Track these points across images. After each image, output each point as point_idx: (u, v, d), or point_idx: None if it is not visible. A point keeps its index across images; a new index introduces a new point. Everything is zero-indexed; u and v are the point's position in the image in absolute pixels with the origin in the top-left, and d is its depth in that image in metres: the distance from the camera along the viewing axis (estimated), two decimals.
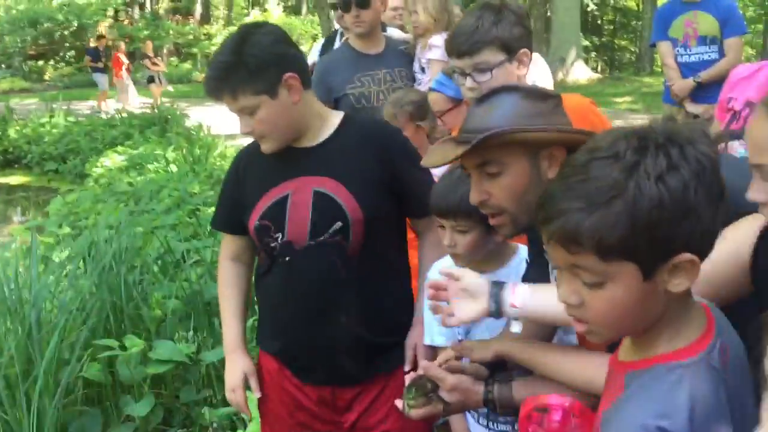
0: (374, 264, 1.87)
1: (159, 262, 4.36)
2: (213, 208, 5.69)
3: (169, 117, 11.91)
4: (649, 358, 0.97)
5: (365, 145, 1.85)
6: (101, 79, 15.37)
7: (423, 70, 3.20)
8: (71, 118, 12.99)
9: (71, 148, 11.50)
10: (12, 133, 12.62)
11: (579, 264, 0.92)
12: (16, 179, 11.68)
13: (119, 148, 9.85)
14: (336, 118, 1.91)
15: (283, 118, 1.77)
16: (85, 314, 3.21)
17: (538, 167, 1.38)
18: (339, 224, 1.79)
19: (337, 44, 3.64)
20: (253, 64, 1.70)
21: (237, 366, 1.97)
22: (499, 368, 1.51)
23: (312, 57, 3.87)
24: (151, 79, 15.61)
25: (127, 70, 15.20)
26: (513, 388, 1.45)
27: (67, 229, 5.00)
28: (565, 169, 0.96)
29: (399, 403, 1.52)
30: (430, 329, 1.87)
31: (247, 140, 1.95)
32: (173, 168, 7.97)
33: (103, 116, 13.00)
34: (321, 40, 4.39)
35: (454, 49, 1.91)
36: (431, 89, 2.62)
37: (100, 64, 15.37)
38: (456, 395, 1.46)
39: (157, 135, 10.70)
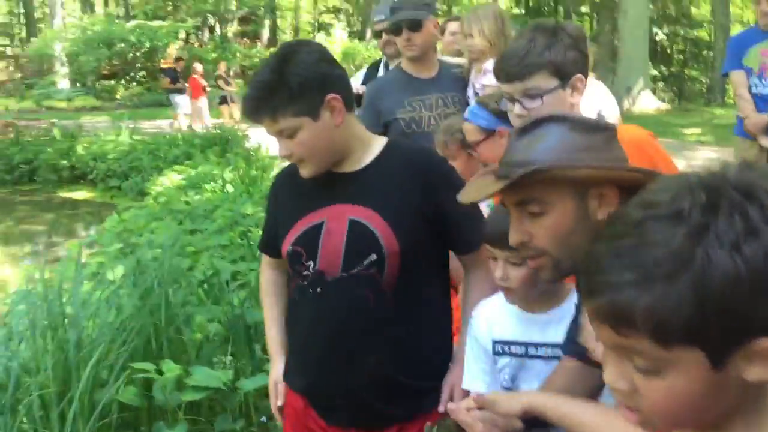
0: (410, 300, 1.74)
1: (205, 284, 4.32)
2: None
3: (230, 138, 12.09)
4: None
5: (407, 174, 1.74)
6: (179, 99, 15.53)
7: (477, 95, 3.07)
8: (137, 137, 13.32)
9: (134, 166, 11.78)
10: (80, 149, 13.03)
11: (631, 347, 0.75)
12: (81, 194, 12.01)
13: (178, 168, 10.02)
14: (378, 143, 1.81)
15: (325, 141, 1.68)
16: (126, 335, 3.17)
17: (586, 207, 1.24)
18: (374, 256, 1.68)
19: (381, 72, 3.55)
20: (295, 83, 1.61)
21: (279, 367, 1.94)
22: (537, 422, 1.35)
23: (354, 82, 3.80)
24: (223, 100, 15.84)
25: (204, 90, 15.43)
26: None
27: (117, 246, 5.04)
28: (614, 226, 0.77)
29: None
30: (471, 372, 1.73)
31: None
32: (229, 188, 8.02)
33: (179, 135, 13.21)
34: (364, 67, 4.33)
35: (502, 72, 1.79)
36: (465, 119, 2.49)
37: (179, 85, 15.60)
38: None
39: (217, 155, 10.85)
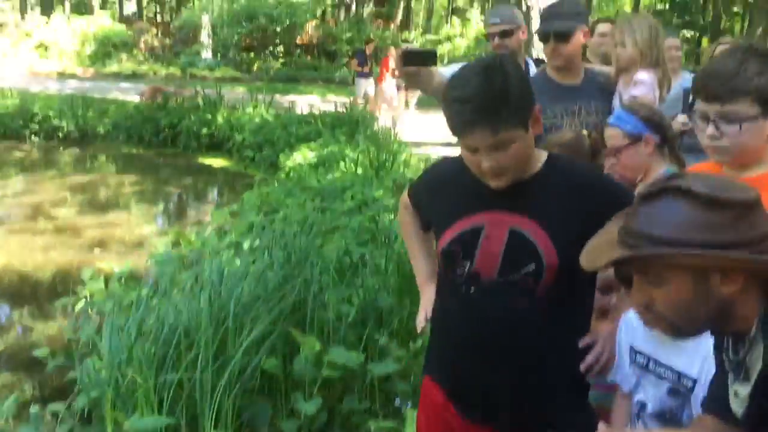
0: (560, 314, 1.81)
1: (337, 264, 4.52)
2: (392, 216, 5.85)
3: (359, 120, 12.35)
4: None
5: (571, 191, 1.79)
6: (363, 83, 15.33)
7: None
8: (272, 111, 13.87)
9: (267, 139, 12.27)
10: (219, 118, 13.72)
11: None
12: (218, 162, 12.68)
13: (312, 145, 10.35)
14: (540, 156, 1.86)
15: (528, 152, 1.76)
16: (270, 306, 3.41)
17: (706, 283, 1.24)
18: (531, 267, 1.75)
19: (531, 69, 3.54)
20: (516, 95, 1.67)
21: (429, 296, 2.08)
22: None
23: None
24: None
25: (392, 74, 15.23)
26: None
27: (260, 218, 5.34)
28: None
29: None
30: (619, 366, 1.88)
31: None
32: (359, 170, 8.24)
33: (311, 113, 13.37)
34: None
35: (703, 90, 1.76)
36: (608, 124, 2.49)
37: (366, 69, 15.37)
38: None
39: (347, 136, 11.13)
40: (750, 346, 1.27)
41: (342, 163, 8.70)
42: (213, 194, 10.87)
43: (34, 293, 6.20)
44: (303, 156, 9.68)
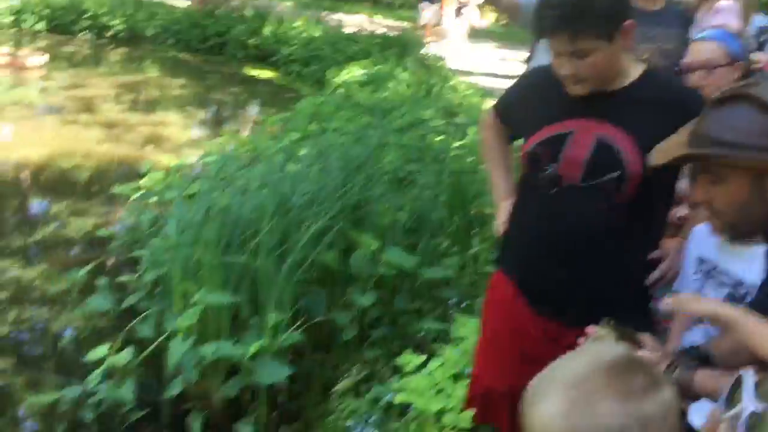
0: (636, 223, 1.89)
1: (391, 175, 4.63)
2: (442, 137, 5.91)
3: (409, 43, 12.24)
4: None
5: (665, 105, 1.83)
6: (426, 9, 14.82)
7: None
8: (320, 26, 13.77)
9: (315, 55, 12.25)
10: (266, 31, 13.68)
11: None
12: (264, 74, 12.71)
13: (361, 62, 10.32)
14: (637, 68, 1.89)
15: (610, 64, 1.79)
16: (330, 205, 3.54)
17: (763, 185, 1.34)
18: (615, 174, 1.81)
19: None
20: (603, 7, 1.71)
21: (505, 208, 2.16)
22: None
23: None
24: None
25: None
26: (696, 374, 1.41)
27: (314, 126, 5.45)
28: None
29: (591, 329, 1.55)
30: (684, 278, 1.90)
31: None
32: (408, 92, 8.25)
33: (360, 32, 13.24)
34: None
35: None
36: (704, 38, 2.44)
37: None
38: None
39: (395, 57, 11.06)
40: None
41: (391, 84, 8.70)
42: (259, 104, 10.94)
43: (91, 182, 6.43)
44: (352, 73, 9.68)
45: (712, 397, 1.33)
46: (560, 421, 0.96)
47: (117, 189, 5.07)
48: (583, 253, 1.90)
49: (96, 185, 6.28)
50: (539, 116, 1.96)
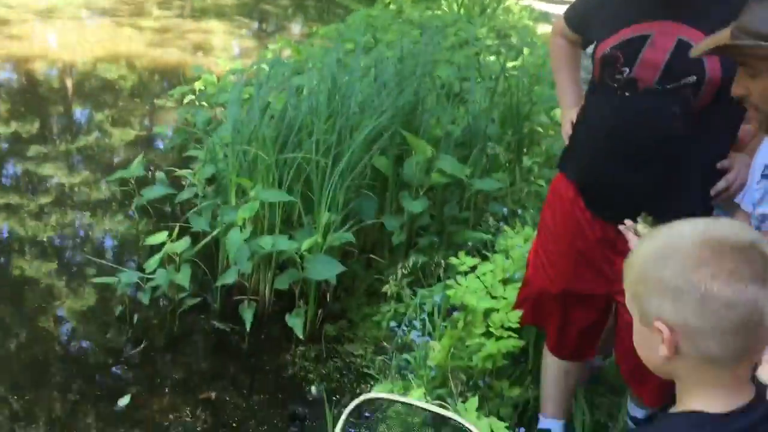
0: (708, 130, 1.86)
1: (444, 89, 4.59)
2: (494, 57, 5.80)
3: None
4: None
5: None
6: None
7: None
8: None
9: None
10: None
11: None
12: None
13: None
14: None
15: None
16: (382, 113, 3.53)
17: None
18: (693, 78, 1.78)
19: None
20: None
21: (570, 117, 2.19)
22: None
23: None
24: None
25: None
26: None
27: (368, 37, 5.39)
28: None
29: (628, 221, 1.63)
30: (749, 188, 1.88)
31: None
32: (461, 11, 8.07)
33: None
34: None
35: None
36: None
37: None
38: None
39: None
40: None
41: (444, 2, 8.50)
42: (308, 17, 10.79)
43: (143, 84, 6.50)
44: None
45: None
46: (640, 260, 1.00)
47: (173, 91, 5.12)
48: (651, 157, 1.89)
49: (148, 87, 6.35)
50: (616, 18, 1.91)
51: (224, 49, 7.84)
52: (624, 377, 2.18)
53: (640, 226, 1.63)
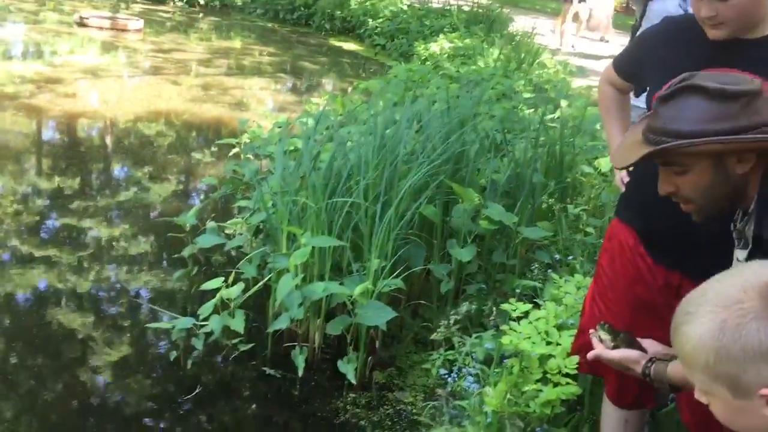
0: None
1: (485, 141, 4.65)
2: (532, 110, 5.88)
3: (496, 18, 12.12)
4: None
5: None
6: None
7: None
8: (407, 1, 13.78)
9: (401, 28, 12.28)
10: (353, 3, 13.78)
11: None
12: (349, 45, 12.84)
13: (450, 35, 10.29)
14: None
15: (754, 9, 1.77)
16: (430, 162, 3.60)
17: (724, 166, 1.42)
18: None
19: None
20: None
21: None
22: None
23: None
24: None
25: None
26: (669, 366, 1.54)
27: (410, 91, 5.52)
28: None
29: (591, 330, 1.71)
30: None
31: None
32: (497, 65, 8.21)
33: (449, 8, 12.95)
34: None
35: None
36: None
37: None
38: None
39: (483, 33, 10.99)
40: (749, 219, 1.48)
41: (480, 58, 8.67)
42: (345, 74, 11.08)
43: (195, 137, 6.69)
44: (440, 46, 9.67)
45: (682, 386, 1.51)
46: (709, 342, 0.96)
47: (220, 141, 5.27)
48: None
49: (196, 141, 6.54)
50: (671, 66, 1.94)
51: (264, 104, 8.07)
52: (689, 427, 2.14)
53: (602, 334, 1.69)
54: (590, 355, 1.71)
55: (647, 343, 1.68)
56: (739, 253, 1.54)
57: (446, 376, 3.05)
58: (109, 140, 6.35)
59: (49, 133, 6.30)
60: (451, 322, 3.13)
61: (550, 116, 5.75)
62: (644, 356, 1.63)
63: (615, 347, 1.67)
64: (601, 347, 1.68)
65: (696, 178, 1.45)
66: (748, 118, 1.38)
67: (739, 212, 1.54)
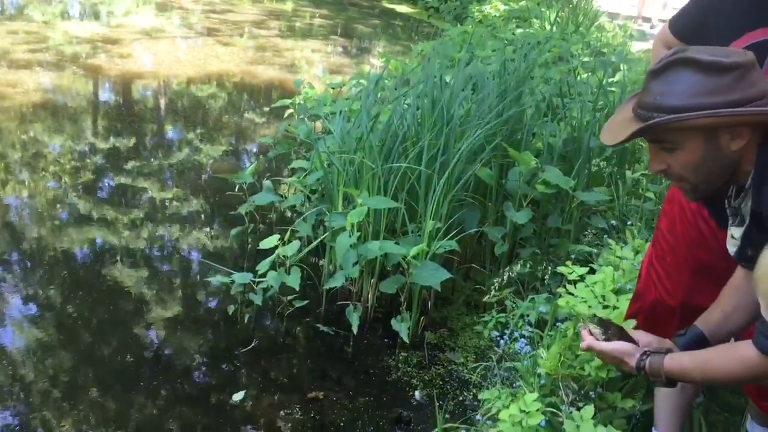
0: None
1: (542, 103, 4.57)
2: (590, 74, 5.74)
3: None
4: None
5: None
6: None
7: None
8: None
9: None
10: None
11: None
12: (401, 8, 12.71)
13: None
14: None
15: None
16: (485, 124, 3.57)
17: (717, 141, 1.37)
18: None
19: None
20: None
21: None
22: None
23: None
24: None
25: None
26: (665, 359, 1.52)
27: (464, 53, 5.45)
28: None
29: (581, 324, 1.72)
30: None
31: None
32: (554, 28, 8.02)
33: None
34: None
35: None
36: None
37: None
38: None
39: None
40: (745, 195, 1.43)
41: (536, 20, 8.48)
42: (398, 36, 10.98)
43: (248, 98, 6.76)
44: (494, 7, 9.49)
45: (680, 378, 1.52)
46: None
47: (276, 103, 5.31)
48: None
49: (249, 102, 6.60)
50: (737, 23, 1.87)
51: (316, 66, 8.07)
52: (747, 392, 2.12)
53: (592, 326, 1.70)
54: (583, 345, 1.71)
55: (639, 334, 1.68)
56: (735, 231, 1.51)
57: (498, 338, 3.06)
58: (163, 101, 6.46)
59: (105, 94, 6.43)
60: (505, 279, 3.13)
61: (609, 80, 5.61)
62: (638, 349, 1.62)
63: (606, 340, 1.66)
64: (593, 339, 1.67)
65: (687, 156, 1.41)
66: (742, 91, 1.34)
67: (733, 189, 1.50)
